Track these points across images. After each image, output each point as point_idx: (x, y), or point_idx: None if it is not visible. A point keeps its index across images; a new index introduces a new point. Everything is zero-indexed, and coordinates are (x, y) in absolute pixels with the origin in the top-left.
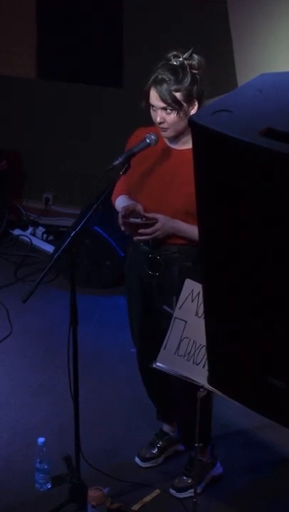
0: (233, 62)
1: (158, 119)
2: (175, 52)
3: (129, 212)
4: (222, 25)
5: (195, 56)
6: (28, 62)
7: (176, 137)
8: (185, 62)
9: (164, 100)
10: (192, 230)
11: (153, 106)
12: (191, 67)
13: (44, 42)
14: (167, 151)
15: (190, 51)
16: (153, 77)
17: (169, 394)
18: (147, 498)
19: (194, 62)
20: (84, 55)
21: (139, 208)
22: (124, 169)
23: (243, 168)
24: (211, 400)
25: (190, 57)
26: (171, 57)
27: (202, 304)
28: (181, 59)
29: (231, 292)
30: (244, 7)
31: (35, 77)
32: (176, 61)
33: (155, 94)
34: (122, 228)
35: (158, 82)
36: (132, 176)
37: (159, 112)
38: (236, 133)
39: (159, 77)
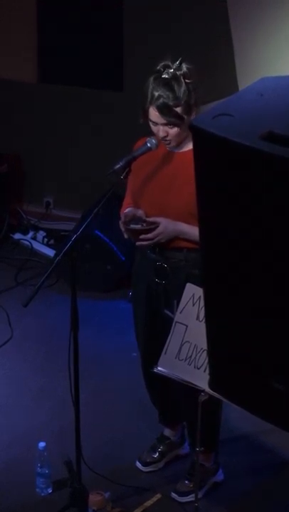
0: (233, 66)
1: (161, 134)
2: (164, 63)
3: (129, 219)
4: (223, 28)
5: (184, 65)
6: (28, 65)
7: (179, 145)
8: (177, 73)
9: (165, 118)
10: (195, 231)
11: (154, 122)
12: (184, 76)
13: (45, 45)
14: (168, 155)
15: (179, 60)
16: (149, 95)
17: (172, 398)
18: (148, 503)
19: (185, 71)
20: (84, 58)
21: (140, 213)
22: (124, 173)
23: (244, 171)
24: (219, 407)
25: (180, 66)
26: (162, 69)
27: (203, 308)
28: (172, 70)
29: (232, 295)
30: (244, 9)
31: (36, 80)
32: (167, 73)
33: (156, 113)
34: (125, 236)
35: (156, 100)
36: (134, 182)
37: (161, 127)
38: (237, 137)
39: (156, 94)
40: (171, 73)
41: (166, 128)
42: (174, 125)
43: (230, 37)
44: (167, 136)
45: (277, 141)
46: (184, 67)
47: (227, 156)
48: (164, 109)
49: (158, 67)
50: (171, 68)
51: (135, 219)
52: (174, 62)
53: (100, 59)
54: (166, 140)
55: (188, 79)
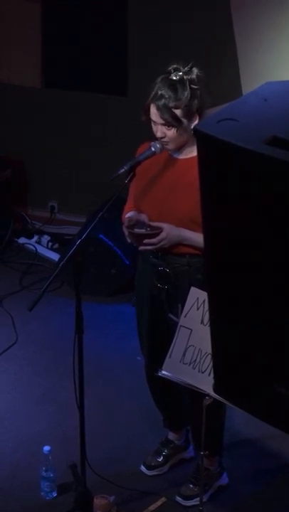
0: (237, 70)
1: (158, 134)
2: (175, 66)
3: (133, 223)
4: (226, 33)
5: (194, 70)
6: (33, 71)
7: (179, 149)
8: (184, 77)
9: (163, 117)
10: (198, 238)
11: (153, 121)
12: (191, 82)
13: (49, 51)
14: (171, 161)
15: (190, 65)
16: (153, 92)
17: (176, 402)
18: (153, 506)
19: (193, 77)
20: (88, 63)
21: (143, 217)
22: (129, 178)
23: (248, 176)
24: (223, 411)
25: (190, 71)
26: (172, 71)
27: (207, 312)
28: (180, 73)
29: (236, 300)
30: (248, 16)
31: (40, 85)
32: (175, 75)
33: (155, 110)
34: (128, 240)
35: (157, 99)
36: (136, 187)
37: (160, 127)
38: (241, 141)
39: (159, 93)
40: (179, 76)
41: (164, 128)
42: (172, 126)
43: (234, 42)
44: (165, 137)
45: (282, 145)
46: (195, 72)
47: (231, 161)
48: (163, 108)
49: (169, 68)
50: (180, 71)
51: (139, 223)
52: (186, 66)
53: (104, 64)
54: (164, 141)
55: (194, 85)
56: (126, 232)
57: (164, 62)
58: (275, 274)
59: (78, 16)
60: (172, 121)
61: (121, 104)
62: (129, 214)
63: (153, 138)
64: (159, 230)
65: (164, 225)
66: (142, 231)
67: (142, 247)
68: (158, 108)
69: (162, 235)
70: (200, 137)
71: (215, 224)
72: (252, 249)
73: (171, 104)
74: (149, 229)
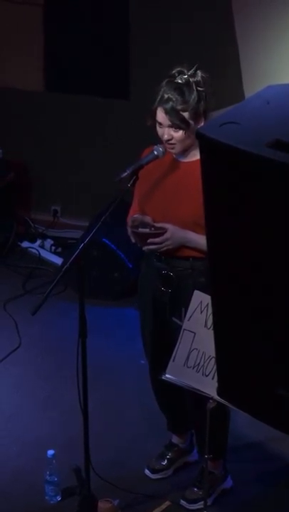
0: (239, 71)
1: (165, 137)
2: (180, 69)
3: (138, 223)
4: (229, 36)
5: (199, 73)
6: (35, 74)
7: (184, 152)
8: (190, 79)
9: (171, 120)
10: (202, 240)
11: (160, 123)
12: (197, 84)
13: (51, 54)
14: (175, 164)
15: (194, 67)
16: (159, 96)
17: (180, 405)
18: (157, 510)
19: (199, 79)
20: (91, 67)
21: (148, 219)
22: (132, 181)
23: (251, 179)
24: (227, 414)
25: (194, 73)
26: (176, 74)
27: (211, 316)
28: (186, 76)
29: (239, 303)
30: (250, 18)
31: (43, 89)
32: (180, 79)
33: (162, 114)
34: (132, 240)
35: (164, 102)
36: (141, 189)
37: (166, 129)
38: (244, 145)
39: (166, 96)
40: (184, 79)
41: (171, 131)
42: (179, 128)
43: (235, 42)
44: (172, 139)
45: (285, 148)
46: (199, 75)
47: (234, 164)
48: (171, 112)
49: (173, 72)
50: (185, 74)
51: (143, 224)
52: (190, 69)
53: (106, 68)
54: (170, 144)
55: (200, 87)
56: (130, 231)
57: (166, 64)
58: (277, 276)
59: (80, 20)
60: (180, 124)
61: (123, 107)
62: (134, 215)
63: (156, 141)
64: (164, 230)
65: (169, 226)
66: (146, 230)
67: (145, 247)
68: (166, 111)
69: (166, 235)
70: (202, 140)
71: (217, 226)
72: (254, 251)
73: (179, 107)
74: (153, 229)
